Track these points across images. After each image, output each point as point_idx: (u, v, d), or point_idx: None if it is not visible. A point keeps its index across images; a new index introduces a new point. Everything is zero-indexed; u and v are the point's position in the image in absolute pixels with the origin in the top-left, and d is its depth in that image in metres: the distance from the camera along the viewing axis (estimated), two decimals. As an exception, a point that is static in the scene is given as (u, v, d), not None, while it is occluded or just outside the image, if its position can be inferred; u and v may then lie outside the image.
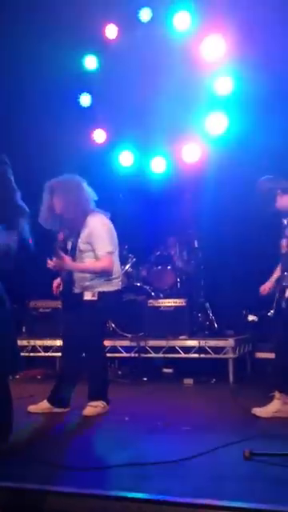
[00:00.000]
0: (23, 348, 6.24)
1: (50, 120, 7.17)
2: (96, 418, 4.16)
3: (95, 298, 4.26)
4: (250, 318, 5.94)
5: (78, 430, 3.94)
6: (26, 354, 6.18)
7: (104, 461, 3.06)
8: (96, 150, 7.36)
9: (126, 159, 7.44)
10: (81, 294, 4.29)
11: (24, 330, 6.52)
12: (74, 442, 3.60)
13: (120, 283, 4.51)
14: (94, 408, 4.24)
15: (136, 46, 6.91)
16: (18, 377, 5.66)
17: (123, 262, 6.77)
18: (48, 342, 6.20)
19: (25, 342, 6.23)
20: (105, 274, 4.30)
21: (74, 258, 4.30)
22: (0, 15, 6.35)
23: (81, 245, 4.29)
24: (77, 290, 4.33)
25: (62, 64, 7.08)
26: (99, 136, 7.38)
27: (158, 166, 7.39)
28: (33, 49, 6.87)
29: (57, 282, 4.58)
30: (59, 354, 5.85)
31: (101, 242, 4.25)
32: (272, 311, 4.33)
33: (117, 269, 4.43)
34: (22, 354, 6.07)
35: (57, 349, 5.95)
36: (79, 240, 4.30)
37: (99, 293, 4.28)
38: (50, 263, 4.24)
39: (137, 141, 7.22)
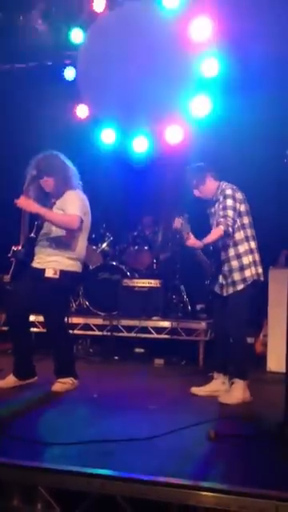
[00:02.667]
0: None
1: (33, 93, 7.07)
2: (64, 394, 4.17)
3: (57, 276, 4.22)
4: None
5: (45, 405, 3.94)
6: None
7: (69, 437, 3.07)
8: (79, 125, 7.26)
9: (107, 136, 7.35)
10: (42, 270, 4.25)
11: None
12: (40, 417, 3.61)
13: (80, 266, 4.44)
14: (62, 384, 4.24)
15: (123, 22, 6.79)
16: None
17: (100, 241, 6.77)
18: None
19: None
20: (66, 246, 4.25)
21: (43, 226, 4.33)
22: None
23: (54, 210, 4.27)
24: (37, 265, 4.31)
25: (48, 36, 6.97)
26: (82, 111, 7.28)
27: (139, 145, 7.32)
28: (18, 21, 6.75)
29: (17, 247, 4.49)
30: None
31: (72, 205, 4.23)
32: None
33: (81, 248, 4.38)
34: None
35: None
36: (54, 207, 4.28)
37: (61, 271, 4.24)
38: (17, 201, 4.16)
39: (119, 118, 7.13)
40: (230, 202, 4.22)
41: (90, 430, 3.22)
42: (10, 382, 4.31)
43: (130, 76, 6.65)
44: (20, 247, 4.48)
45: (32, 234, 4.41)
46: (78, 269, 4.40)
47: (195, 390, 4.32)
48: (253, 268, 4.26)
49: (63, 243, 4.27)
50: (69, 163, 4.41)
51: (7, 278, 5.98)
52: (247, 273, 4.22)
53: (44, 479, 2.53)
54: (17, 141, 6.84)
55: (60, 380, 4.26)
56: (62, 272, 4.25)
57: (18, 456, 2.68)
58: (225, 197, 4.24)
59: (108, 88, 6.67)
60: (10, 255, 4.52)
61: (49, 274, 4.24)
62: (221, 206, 4.25)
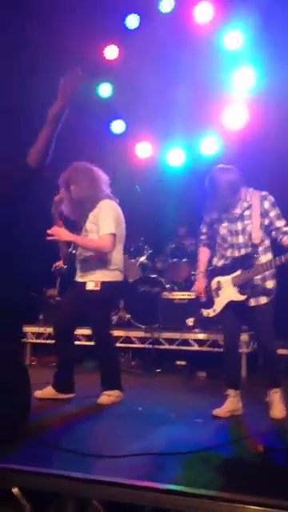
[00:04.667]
0: (40, 335, 6.31)
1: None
2: (110, 407, 4.19)
3: (98, 289, 4.29)
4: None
5: (92, 417, 3.97)
6: (43, 341, 6.25)
7: (118, 449, 3.08)
8: (114, 140, 7.35)
9: (143, 150, 7.43)
10: (84, 284, 4.33)
11: (41, 317, 6.57)
12: (88, 430, 3.63)
13: (121, 275, 4.48)
14: (108, 397, 4.27)
15: (156, 37, 6.88)
16: (34, 363, 5.73)
17: (139, 254, 6.81)
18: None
19: (41, 330, 6.29)
20: (104, 261, 4.30)
21: None
22: (22, 5, 6.35)
23: (88, 224, 4.34)
24: (79, 279, 4.38)
25: (83, 54, 7.09)
26: (118, 126, 7.38)
27: (175, 157, 7.38)
28: (54, 38, 6.87)
29: (58, 263, 4.63)
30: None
31: (105, 222, 4.26)
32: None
33: (119, 260, 4.42)
34: (38, 340, 6.24)
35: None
36: (87, 220, 4.34)
37: (102, 283, 4.29)
38: (49, 232, 4.26)
39: (155, 132, 7.20)
40: (278, 209, 4.03)
41: (138, 443, 3.22)
42: (48, 394, 4.34)
43: (165, 89, 6.72)
44: (61, 263, 4.58)
45: (71, 250, 4.52)
46: (119, 278, 4.44)
47: (217, 412, 3.95)
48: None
49: (102, 257, 4.32)
50: (98, 171, 4.44)
51: (54, 292, 6.11)
52: (274, 281, 4.03)
53: (97, 491, 2.55)
54: (58, 160, 6.94)
55: (106, 392, 4.29)
56: (103, 284, 4.30)
57: (70, 468, 2.71)
58: (273, 205, 3.99)
59: (143, 102, 6.74)
60: (53, 270, 4.63)
61: (90, 286, 4.31)
62: (274, 214, 3.97)
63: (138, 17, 7.00)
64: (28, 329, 6.47)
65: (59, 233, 4.26)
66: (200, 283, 4.18)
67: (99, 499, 2.55)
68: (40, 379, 4.57)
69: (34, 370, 5.23)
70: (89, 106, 7.10)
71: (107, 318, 4.62)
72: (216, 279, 4.07)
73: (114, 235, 4.27)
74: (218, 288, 4.05)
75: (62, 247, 4.61)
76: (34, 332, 6.43)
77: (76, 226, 4.47)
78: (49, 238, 4.27)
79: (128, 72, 6.94)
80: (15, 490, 2.68)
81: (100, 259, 4.31)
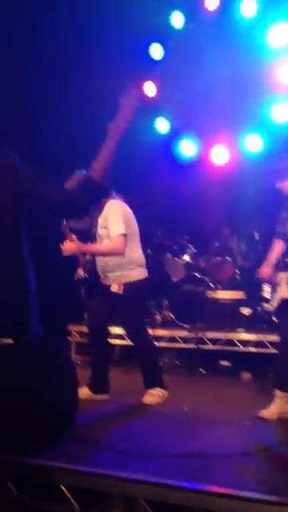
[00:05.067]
0: (84, 334, 6.35)
1: (112, 108, 7.19)
2: (155, 407, 4.19)
3: (121, 291, 4.31)
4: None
5: (138, 417, 3.98)
6: (86, 340, 6.28)
7: (166, 450, 3.08)
8: (159, 139, 7.34)
9: (187, 148, 7.39)
10: (108, 287, 4.37)
11: (86, 316, 6.60)
12: (134, 429, 3.64)
13: (144, 271, 4.47)
14: (152, 396, 4.27)
15: (201, 34, 6.83)
16: (78, 362, 5.77)
17: (182, 253, 6.77)
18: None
19: (86, 328, 6.31)
20: (122, 262, 4.31)
21: None
22: (67, 3, 6.37)
23: (99, 230, 4.37)
24: (103, 281, 4.43)
25: (127, 52, 7.09)
26: (162, 125, 7.36)
27: (219, 156, 7.32)
28: (98, 36, 6.88)
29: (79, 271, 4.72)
30: (118, 341, 6.00)
31: (113, 224, 4.27)
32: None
33: (137, 257, 4.43)
34: (83, 340, 6.28)
35: (116, 336, 6.04)
36: (98, 226, 4.37)
37: (125, 284, 4.31)
38: (62, 248, 4.31)
39: (200, 130, 7.15)
40: None
41: (185, 444, 3.21)
42: (84, 394, 4.32)
43: (210, 87, 6.66)
44: (81, 272, 4.63)
45: (89, 257, 4.55)
46: (141, 275, 4.43)
47: (264, 413, 3.89)
48: None
49: (119, 259, 4.34)
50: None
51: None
52: None
53: (145, 492, 2.55)
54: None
55: (150, 391, 4.29)
56: (126, 285, 4.32)
57: (118, 468, 2.72)
58: None
59: (188, 100, 6.70)
60: (76, 280, 4.68)
61: (114, 289, 4.35)
62: None
63: (183, 15, 6.95)
64: (73, 327, 6.52)
65: (71, 247, 4.31)
66: (268, 268, 4.18)
67: (146, 499, 2.55)
68: (84, 377, 4.61)
69: (78, 369, 5.25)
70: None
71: (138, 317, 4.60)
72: (279, 274, 4.04)
73: (124, 235, 4.28)
74: (277, 283, 4.02)
75: (79, 256, 4.66)
76: (78, 331, 6.47)
77: (88, 233, 4.51)
78: (65, 254, 4.33)
79: (173, 70, 6.90)
80: (63, 488, 2.70)
81: (118, 261, 4.33)
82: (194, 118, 6.90)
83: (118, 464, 2.84)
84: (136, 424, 3.79)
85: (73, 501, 2.69)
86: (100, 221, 4.36)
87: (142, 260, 4.49)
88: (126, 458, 2.95)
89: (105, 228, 4.33)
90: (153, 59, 7.15)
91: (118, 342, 6.00)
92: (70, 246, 4.30)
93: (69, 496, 2.69)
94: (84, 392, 4.35)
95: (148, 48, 7.11)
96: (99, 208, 4.36)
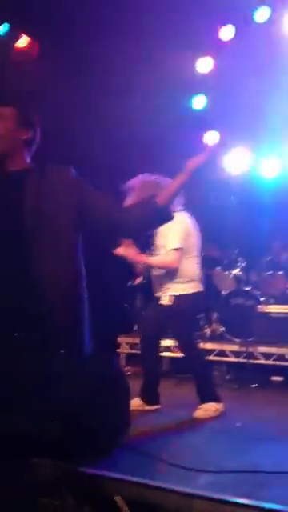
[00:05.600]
0: (135, 345, 6.35)
1: (160, 122, 7.23)
2: (207, 421, 4.14)
3: (170, 303, 4.30)
4: None
5: (189, 431, 3.94)
6: (137, 352, 6.29)
7: (217, 465, 3.02)
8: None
9: (237, 161, 7.35)
10: (159, 299, 4.38)
11: (135, 327, 6.61)
12: (186, 443, 3.59)
13: (199, 285, 4.46)
14: (205, 411, 4.22)
15: (251, 47, 6.81)
16: (129, 373, 5.78)
17: (233, 266, 6.71)
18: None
19: (136, 340, 6.33)
20: (175, 274, 4.31)
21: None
22: (112, 16, 6.46)
23: (156, 240, 4.40)
24: (155, 293, 4.43)
25: (175, 66, 7.12)
26: (211, 138, 7.35)
27: (270, 169, 7.24)
28: (145, 51, 6.94)
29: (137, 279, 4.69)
30: (168, 353, 5.98)
31: (170, 237, 4.29)
32: None
33: (192, 271, 4.42)
34: (133, 351, 6.29)
35: (166, 347, 6.04)
36: (156, 236, 4.39)
37: (175, 297, 4.30)
38: (117, 251, 4.33)
39: (249, 143, 7.11)
40: None
41: (239, 459, 3.15)
42: (136, 405, 4.30)
43: (260, 99, 6.62)
44: (141, 279, 4.64)
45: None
46: (194, 289, 4.40)
47: None
48: None
49: (172, 271, 4.34)
50: (164, 183, 4.42)
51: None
52: None
53: (200, 506, 2.51)
54: (144, 170, 6.99)
55: (203, 406, 4.24)
56: (177, 297, 4.31)
57: (172, 481, 2.68)
58: None
59: (238, 113, 6.68)
60: (134, 286, 4.70)
61: (164, 301, 4.35)
62: None
63: (233, 28, 6.94)
64: (122, 339, 6.54)
65: (126, 253, 4.33)
66: None
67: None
68: (135, 388, 4.61)
69: (129, 380, 5.26)
70: (182, 118, 7.16)
71: (187, 330, 4.57)
72: None
73: (180, 250, 4.28)
74: None
75: (135, 264, 4.66)
76: (129, 342, 6.49)
77: (148, 240, 4.53)
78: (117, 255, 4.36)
79: (223, 83, 6.90)
80: (118, 499, 2.69)
81: (172, 271, 4.34)
82: (244, 131, 6.86)
83: (171, 477, 2.81)
84: (187, 437, 3.75)
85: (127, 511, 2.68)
86: (159, 231, 4.36)
87: (197, 274, 4.48)
88: (179, 471, 2.91)
89: (163, 239, 4.35)
90: (201, 72, 7.14)
91: (167, 354, 5.99)
92: (125, 252, 4.32)
93: (123, 506, 2.68)
94: (136, 403, 4.33)
95: (197, 60, 7.12)
96: None
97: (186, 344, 4.45)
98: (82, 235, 2.66)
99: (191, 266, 4.43)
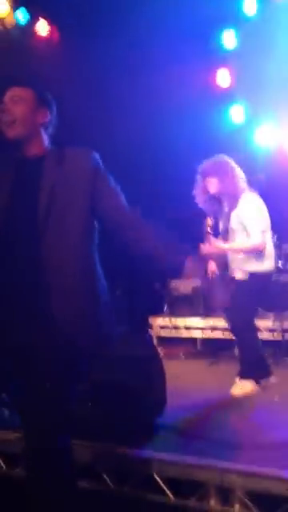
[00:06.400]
0: (165, 327, 6.37)
1: (184, 98, 7.11)
2: (244, 397, 4.13)
3: (246, 278, 4.26)
4: None
5: (227, 408, 3.95)
6: (168, 333, 6.31)
7: (257, 440, 3.02)
8: (234, 128, 7.21)
9: (265, 138, 7.22)
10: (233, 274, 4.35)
11: (166, 308, 6.62)
12: (224, 420, 3.60)
13: (272, 263, 4.44)
14: (240, 389, 4.21)
15: (275, 21, 6.64)
16: (162, 354, 5.79)
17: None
18: (189, 321, 6.25)
19: (167, 321, 6.35)
20: (256, 254, 4.27)
21: (225, 239, 4.36)
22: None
23: (233, 224, 4.32)
24: (230, 273, 4.38)
25: (199, 40, 6.98)
26: (238, 114, 7.23)
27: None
28: (169, 27, 6.82)
29: (211, 266, 4.58)
30: (200, 334, 5.97)
31: (252, 220, 4.24)
32: None
33: (269, 249, 4.38)
34: (163, 333, 6.31)
35: (198, 328, 6.02)
36: (231, 220, 4.31)
37: (250, 274, 4.26)
38: (203, 249, 4.24)
39: (278, 118, 6.97)
40: None
41: (277, 434, 3.14)
42: (247, 389, 4.20)
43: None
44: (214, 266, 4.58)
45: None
46: (269, 267, 4.38)
47: None
48: None
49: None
50: (234, 165, 4.41)
51: (178, 284, 6.14)
52: None
53: (243, 482, 2.52)
54: (170, 149, 6.91)
55: (240, 383, 4.24)
56: (252, 274, 4.28)
57: (213, 457, 2.70)
58: None
59: (265, 88, 6.54)
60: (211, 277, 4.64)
61: (238, 275, 4.32)
62: None
63: (256, 1, 6.78)
64: (154, 320, 6.55)
65: (211, 249, 4.28)
66: None
67: (244, 490, 2.51)
68: (168, 370, 4.62)
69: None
70: (206, 95, 7.04)
71: (254, 307, 4.55)
72: None
73: (264, 231, 4.28)
74: None
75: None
76: (160, 324, 6.49)
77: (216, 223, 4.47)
78: (204, 255, 4.24)
79: (248, 58, 6.76)
80: (157, 478, 2.72)
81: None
82: (271, 106, 6.72)
83: (210, 454, 2.81)
84: (226, 414, 3.77)
85: (168, 491, 2.70)
86: (234, 215, 4.33)
87: (272, 252, 4.46)
88: (217, 448, 2.92)
89: (240, 223, 4.31)
90: (226, 48, 7.01)
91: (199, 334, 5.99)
92: (210, 249, 4.28)
93: (163, 486, 2.70)
94: (248, 387, 4.21)
95: (221, 36, 6.98)
96: (233, 202, 4.34)
97: (247, 320, 4.35)
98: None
99: (269, 244, 4.41)
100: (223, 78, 7.19)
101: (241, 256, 4.33)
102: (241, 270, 4.31)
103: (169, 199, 6.29)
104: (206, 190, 4.38)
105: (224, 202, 4.40)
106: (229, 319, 4.49)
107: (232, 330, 4.47)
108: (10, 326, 2.17)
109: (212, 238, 4.30)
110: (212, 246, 4.27)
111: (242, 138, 7.12)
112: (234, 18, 6.90)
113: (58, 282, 2.16)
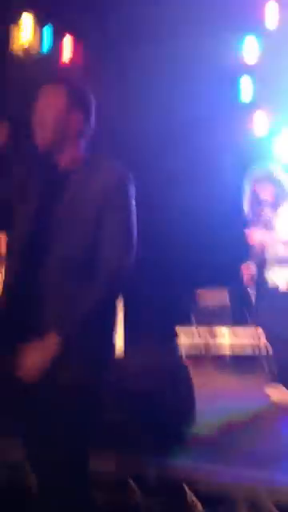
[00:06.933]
0: (193, 337, 6.37)
1: (206, 106, 7.11)
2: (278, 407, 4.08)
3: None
4: None
5: (261, 417, 3.91)
6: (195, 344, 6.31)
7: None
8: (258, 137, 7.21)
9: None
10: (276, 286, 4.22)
11: (193, 318, 6.62)
12: (256, 432, 3.56)
13: None
14: (275, 395, 4.18)
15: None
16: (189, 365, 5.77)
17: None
18: (216, 332, 6.24)
19: (194, 331, 6.35)
20: None
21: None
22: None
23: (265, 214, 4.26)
24: (273, 279, 4.25)
25: (220, 48, 6.98)
26: (261, 122, 7.22)
27: None
28: (192, 35, 6.82)
29: (249, 270, 4.39)
30: (227, 345, 5.95)
31: None
32: None
33: None
34: (190, 344, 6.28)
35: (225, 339, 6.01)
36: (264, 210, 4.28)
37: None
38: (252, 237, 4.20)
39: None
40: None
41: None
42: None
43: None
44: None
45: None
46: None
47: None
48: None
49: None
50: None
51: (205, 293, 6.11)
52: None
53: (271, 494, 2.49)
54: (194, 157, 6.89)
55: (275, 388, 4.20)
56: None
57: (242, 471, 2.67)
58: None
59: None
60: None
61: (282, 287, 4.20)
62: None
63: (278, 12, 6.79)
64: (181, 331, 6.55)
65: (261, 237, 4.23)
66: None
67: (273, 502, 2.49)
68: (195, 380, 4.60)
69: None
70: (229, 106, 7.06)
71: None
72: None
73: None
74: None
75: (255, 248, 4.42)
76: (187, 333, 6.49)
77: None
78: (255, 243, 4.23)
79: (269, 66, 6.76)
80: (186, 487, 2.70)
81: None
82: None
83: (241, 468, 2.78)
84: (258, 426, 3.71)
85: (195, 500, 2.68)
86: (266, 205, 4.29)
87: None
88: (248, 461, 2.89)
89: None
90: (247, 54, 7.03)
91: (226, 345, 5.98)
92: (260, 235, 4.22)
93: (191, 495, 2.69)
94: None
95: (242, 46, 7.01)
96: (277, 206, 4.31)
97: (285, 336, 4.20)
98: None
99: None
100: (246, 88, 7.20)
101: (281, 265, 4.22)
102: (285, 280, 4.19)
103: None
104: (257, 197, 4.33)
105: (274, 207, 4.32)
106: (266, 330, 4.42)
107: (268, 339, 4.43)
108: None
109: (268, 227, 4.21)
110: (263, 231, 4.20)
111: (265, 149, 7.12)
112: (256, 30, 6.91)
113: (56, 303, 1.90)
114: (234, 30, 6.80)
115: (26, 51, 6.72)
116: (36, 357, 1.81)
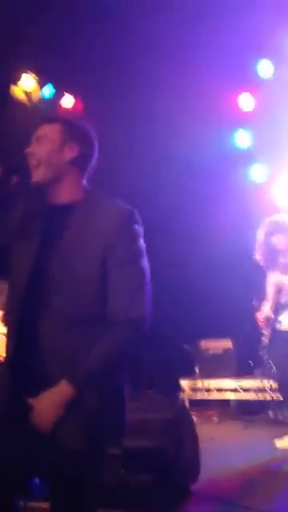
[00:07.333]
0: (196, 390, 6.24)
1: (205, 160, 7.21)
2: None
3: None
4: None
5: (265, 473, 3.77)
6: (200, 396, 6.18)
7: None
8: (255, 188, 7.28)
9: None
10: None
11: (197, 370, 6.50)
12: (262, 485, 3.44)
13: None
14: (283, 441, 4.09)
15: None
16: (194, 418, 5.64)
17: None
18: (221, 383, 6.12)
19: (198, 383, 6.22)
20: None
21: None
22: (151, 55, 6.58)
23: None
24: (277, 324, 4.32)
25: (216, 103, 7.14)
26: (259, 174, 7.31)
27: None
28: (185, 91, 7.00)
29: (263, 315, 4.46)
30: (233, 395, 5.82)
31: None
32: None
33: None
34: (195, 396, 6.16)
35: (230, 389, 5.89)
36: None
37: None
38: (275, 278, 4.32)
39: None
40: None
41: None
42: None
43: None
44: (270, 314, 4.47)
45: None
46: None
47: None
48: None
49: None
50: None
51: (209, 344, 6.05)
52: None
53: None
54: (190, 209, 6.94)
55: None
56: None
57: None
58: None
59: (284, 149, 6.64)
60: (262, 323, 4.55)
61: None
62: None
63: (271, 63, 6.97)
64: (185, 382, 6.42)
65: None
66: None
67: None
68: (200, 434, 4.48)
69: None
70: (226, 155, 7.16)
71: None
72: None
73: None
74: None
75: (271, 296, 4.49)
76: (191, 386, 6.36)
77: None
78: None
79: (267, 119, 6.89)
80: None
81: None
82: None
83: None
84: (265, 479, 3.59)
85: None
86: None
87: None
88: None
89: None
90: (244, 109, 7.18)
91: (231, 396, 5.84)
92: (279, 278, 4.34)
93: None
94: None
95: (238, 98, 7.17)
96: None
97: None
98: None
99: None
100: (243, 138, 7.33)
101: None
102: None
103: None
104: (273, 247, 4.42)
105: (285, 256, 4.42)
106: (279, 372, 4.41)
107: (281, 383, 4.44)
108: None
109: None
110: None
111: (263, 198, 7.17)
112: (251, 80, 7.08)
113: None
114: (230, 86, 6.96)
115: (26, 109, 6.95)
116: (49, 404, 1.76)
